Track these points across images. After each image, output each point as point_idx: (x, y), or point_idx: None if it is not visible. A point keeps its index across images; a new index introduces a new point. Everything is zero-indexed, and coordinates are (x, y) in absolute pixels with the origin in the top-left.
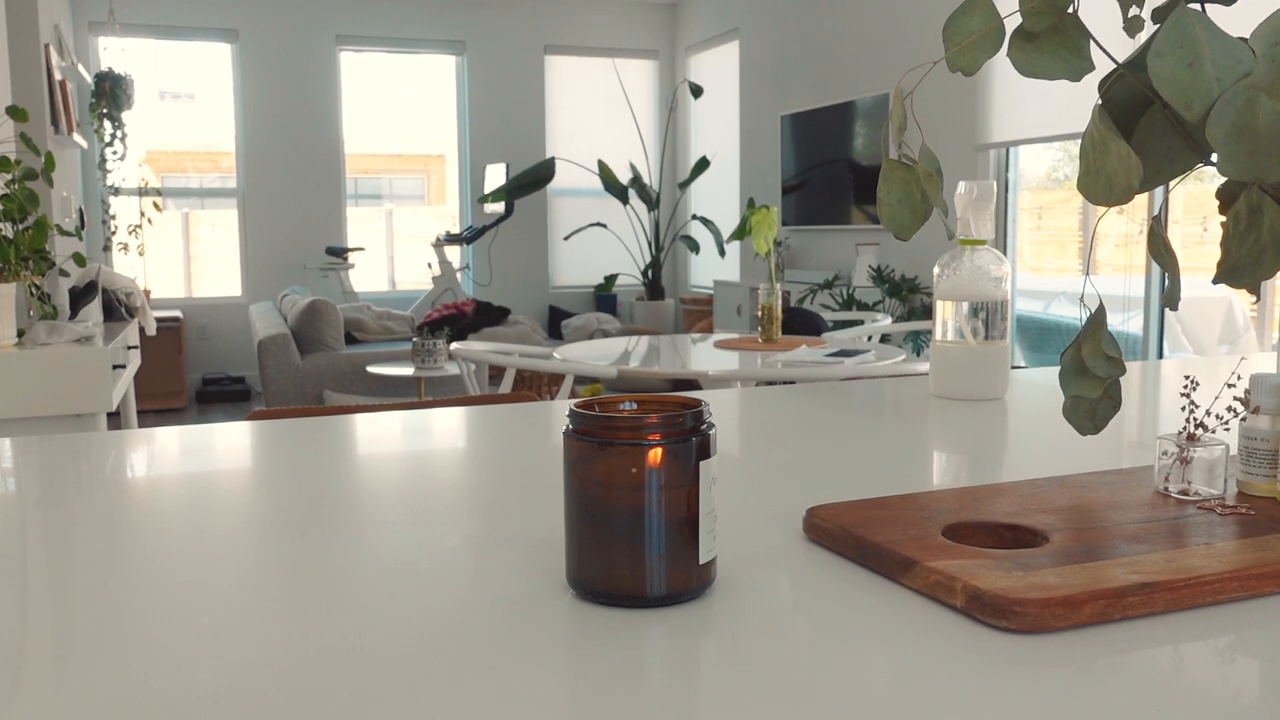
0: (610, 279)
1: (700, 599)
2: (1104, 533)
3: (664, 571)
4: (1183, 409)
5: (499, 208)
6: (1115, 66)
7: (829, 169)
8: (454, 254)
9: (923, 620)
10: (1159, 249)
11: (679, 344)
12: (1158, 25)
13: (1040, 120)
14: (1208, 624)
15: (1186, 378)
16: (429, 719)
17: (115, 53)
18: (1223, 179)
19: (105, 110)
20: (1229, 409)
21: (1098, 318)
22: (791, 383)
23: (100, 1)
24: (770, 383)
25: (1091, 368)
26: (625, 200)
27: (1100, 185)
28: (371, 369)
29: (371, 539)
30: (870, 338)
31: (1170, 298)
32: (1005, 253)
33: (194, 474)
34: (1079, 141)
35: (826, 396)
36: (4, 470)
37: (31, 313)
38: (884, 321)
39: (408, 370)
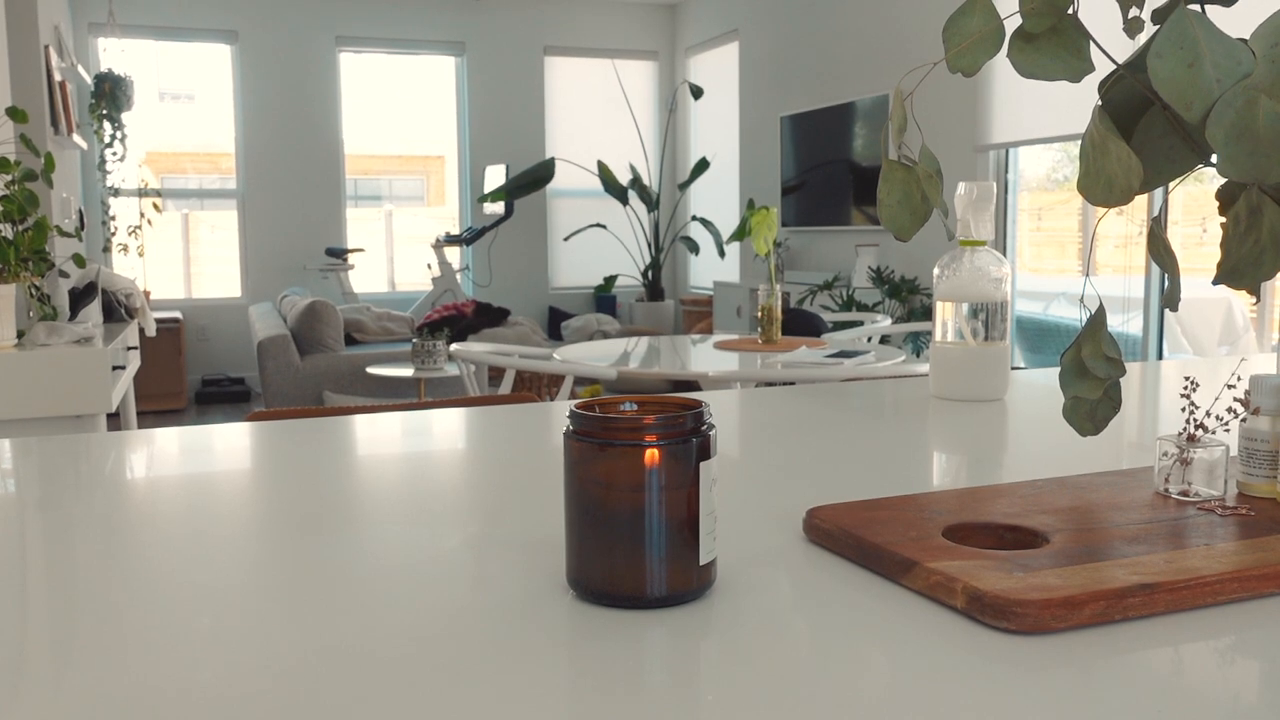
0: (610, 280)
1: (700, 600)
2: (1104, 534)
3: (664, 572)
4: (1183, 410)
5: (499, 209)
6: (1115, 67)
7: (829, 170)
8: (454, 255)
9: (923, 621)
10: (1159, 250)
11: (679, 345)
12: (1157, 26)
13: (1040, 121)
14: (1208, 625)
15: (1186, 379)
16: (429, 719)
17: (115, 54)
18: (1222, 180)
19: (105, 111)
20: (1229, 410)
21: (1097, 319)
22: (791, 384)
23: (100, 2)
24: (770, 384)
25: (1091, 369)
26: (625, 201)
27: (1100, 186)
28: (371, 370)
29: (371, 540)
30: (870, 339)
31: (1170, 299)
32: (1005, 254)
33: (194, 475)
34: (1079, 142)
35: (826, 397)
36: (3, 471)
37: (31, 314)
38: (884, 322)
39: (407, 371)
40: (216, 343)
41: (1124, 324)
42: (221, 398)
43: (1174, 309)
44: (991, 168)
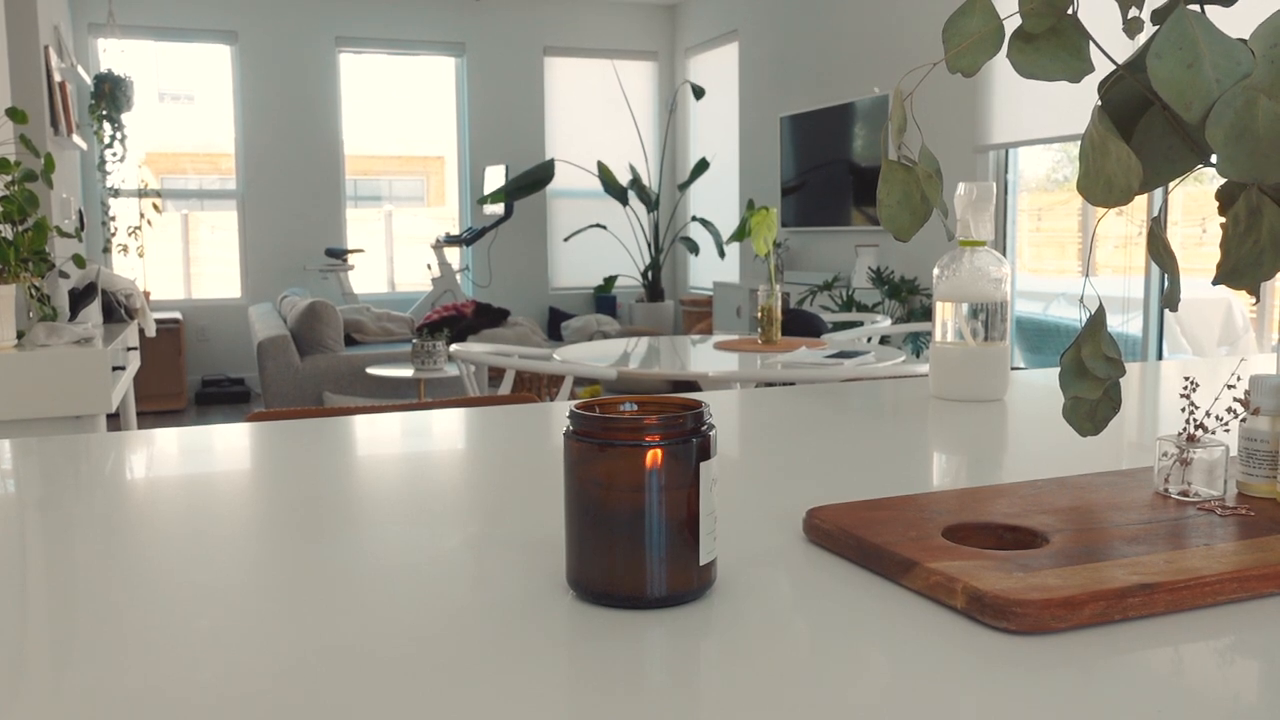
0: (610, 280)
1: (700, 600)
2: (1104, 534)
3: (664, 573)
4: (1182, 410)
5: (498, 209)
6: (1115, 67)
7: (828, 170)
8: (453, 255)
9: (923, 621)
10: (1158, 250)
11: (678, 345)
12: (1157, 27)
13: (1040, 122)
14: (1208, 625)
15: (1186, 379)
16: (428, 719)
17: (115, 54)
18: (1222, 180)
19: (105, 112)
20: (1229, 410)
21: (1097, 319)
22: (791, 384)
23: (100, 3)
24: (770, 384)
25: (1091, 369)
26: (625, 202)
27: (1100, 186)
28: (371, 370)
29: (371, 540)
30: (870, 339)
31: (1170, 299)
32: (1005, 254)
33: (193, 476)
34: (1079, 143)
35: (826, 398)
36: (3, 472)
37: (31, 314)
38: (884, 323)
39: (407, 372)
40: (216, 343)
41: (1124, 324)
42: (221, 398)
43: (1174, 309)
44: (991, 168)
